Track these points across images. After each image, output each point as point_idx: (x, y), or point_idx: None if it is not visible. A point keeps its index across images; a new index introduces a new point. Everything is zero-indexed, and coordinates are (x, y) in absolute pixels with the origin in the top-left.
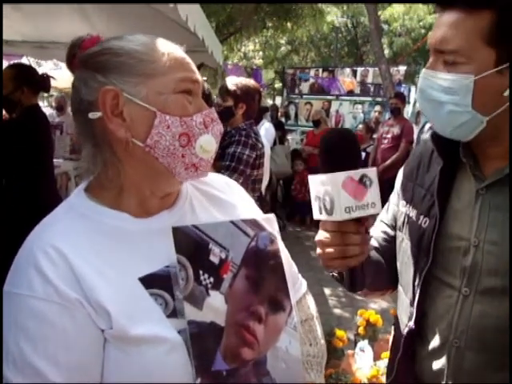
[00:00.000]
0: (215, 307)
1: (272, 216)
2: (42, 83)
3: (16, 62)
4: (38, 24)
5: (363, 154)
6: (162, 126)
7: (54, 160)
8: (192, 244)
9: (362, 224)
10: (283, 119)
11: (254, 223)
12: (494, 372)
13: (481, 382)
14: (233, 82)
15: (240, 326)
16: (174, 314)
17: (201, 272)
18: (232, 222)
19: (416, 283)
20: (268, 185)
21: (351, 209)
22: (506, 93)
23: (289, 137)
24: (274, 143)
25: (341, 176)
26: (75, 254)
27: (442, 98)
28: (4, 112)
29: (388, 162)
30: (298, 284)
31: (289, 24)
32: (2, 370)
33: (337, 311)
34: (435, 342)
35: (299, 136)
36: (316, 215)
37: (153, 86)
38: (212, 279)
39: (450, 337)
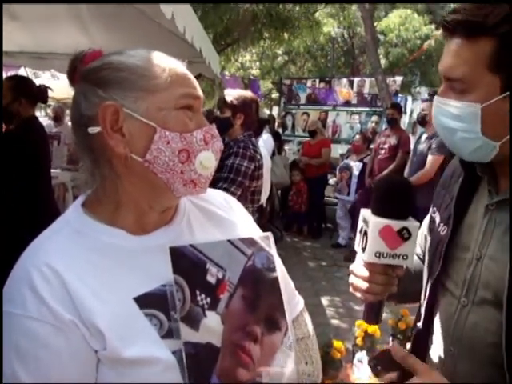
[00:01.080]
0: (211, 328)
1: (269, 234)
2: (40, 94)
3: (13, 73)
4: (36, 35)
5: (360, 165)
6: (162, 142)
7: (52, 171)
8: (189, 264)
9: (391, 268)
10: (280, 130)
11: (251, 242)
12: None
13: None
14: (229, 93)
15: (236, 347)
16: (168, 334)
17: (198, 292)
18: (229, 241)
19: (428, 287)
20: (269, 196)
21: (381, 254)
22: None
23: (286, 147)
24: (273, 154)
25: (381, 223)
26: (70, 273)
27: (454, 125)
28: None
29: (385, 172)
30: (294, 301)
31: (285, 35)
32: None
33: (334, 322)
34: (436, 346)
35: (296, 146)
36: (356, 246)
37: (153, 102)
38: (209, 299)
39: (447, 343)
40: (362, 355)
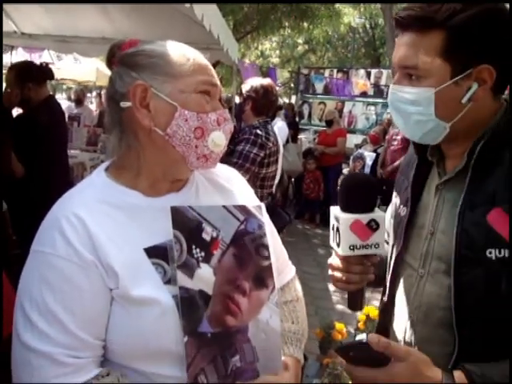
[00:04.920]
0: (205, 278)
1: (262, 204)
2: (44, 73)
3: (38, 55)
4: (60, 18)
5: (374, 155)
6: (181, 119)
7: (71, 151)
8: (187, 222)
9: (366, 257)
10: (297, 118)
11: (244, 209)
12: (433, 345)
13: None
14: (245, 82)
15: (225, 297)
16: (170, 281)
17: (193, 246)
18: (224, 207)
19: (391, 264)
20: (279, 182)
21: (355, 247)
22: (463, 100)
23: (302, 136)
24: (287, 141)
25: (350, 219)
26: (93, 222)
27: (409, 110)
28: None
29: (396, 163)
30: (287, 269)
31: (305, 24)
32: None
33: (339, 307)
34: (399, 315)
35: (312, 135)
36: (331, 242)
37: (177, 85)
38: (203, 253)
39: (408, 311)
40: (362, 337)
